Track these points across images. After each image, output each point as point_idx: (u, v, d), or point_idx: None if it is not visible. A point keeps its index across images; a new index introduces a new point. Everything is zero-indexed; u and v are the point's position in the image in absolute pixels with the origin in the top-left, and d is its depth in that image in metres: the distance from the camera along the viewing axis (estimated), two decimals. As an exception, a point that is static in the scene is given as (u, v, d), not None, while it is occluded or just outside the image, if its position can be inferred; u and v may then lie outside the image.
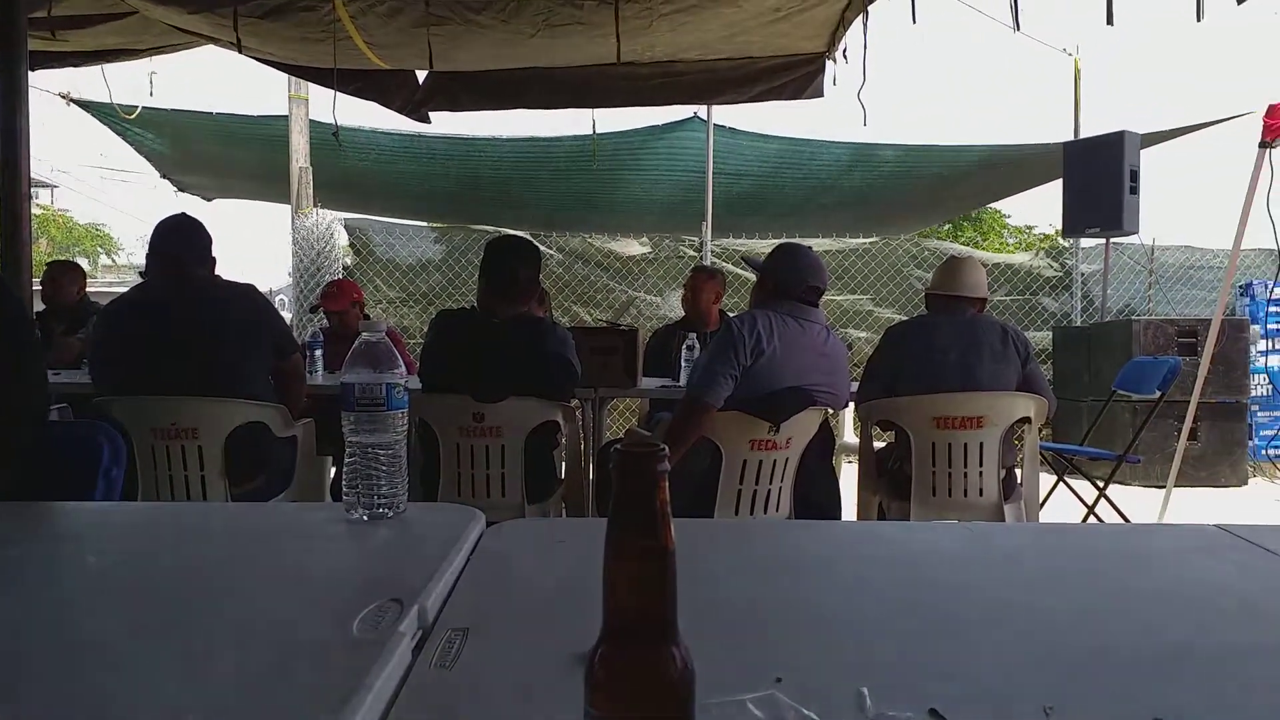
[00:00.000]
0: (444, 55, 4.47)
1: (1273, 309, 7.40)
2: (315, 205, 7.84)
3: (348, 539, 1.17)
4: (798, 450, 2.98)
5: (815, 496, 3.15)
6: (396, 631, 0.79)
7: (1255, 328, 7.20)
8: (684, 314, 4.97)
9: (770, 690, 0.69)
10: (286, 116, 7.73)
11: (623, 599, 0.47)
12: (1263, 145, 4.55)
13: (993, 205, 14.84)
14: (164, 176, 8.89)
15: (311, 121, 7.76)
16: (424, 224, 9.09)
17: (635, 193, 8.89)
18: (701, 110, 7.38)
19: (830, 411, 3.13)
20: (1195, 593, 1.03)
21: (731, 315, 3.75)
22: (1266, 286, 7.41)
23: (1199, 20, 3.25)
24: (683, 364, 4.00)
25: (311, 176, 7.78)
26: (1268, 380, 7.18)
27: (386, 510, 1.19)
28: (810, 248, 3.20)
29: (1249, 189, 4.57)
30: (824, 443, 3.24)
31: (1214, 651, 0.84)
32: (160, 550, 1.16)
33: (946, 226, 14.87)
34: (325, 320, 5.22)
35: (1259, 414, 7.06)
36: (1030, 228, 17.21)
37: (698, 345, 4.02)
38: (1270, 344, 7.33)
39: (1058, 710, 0.69)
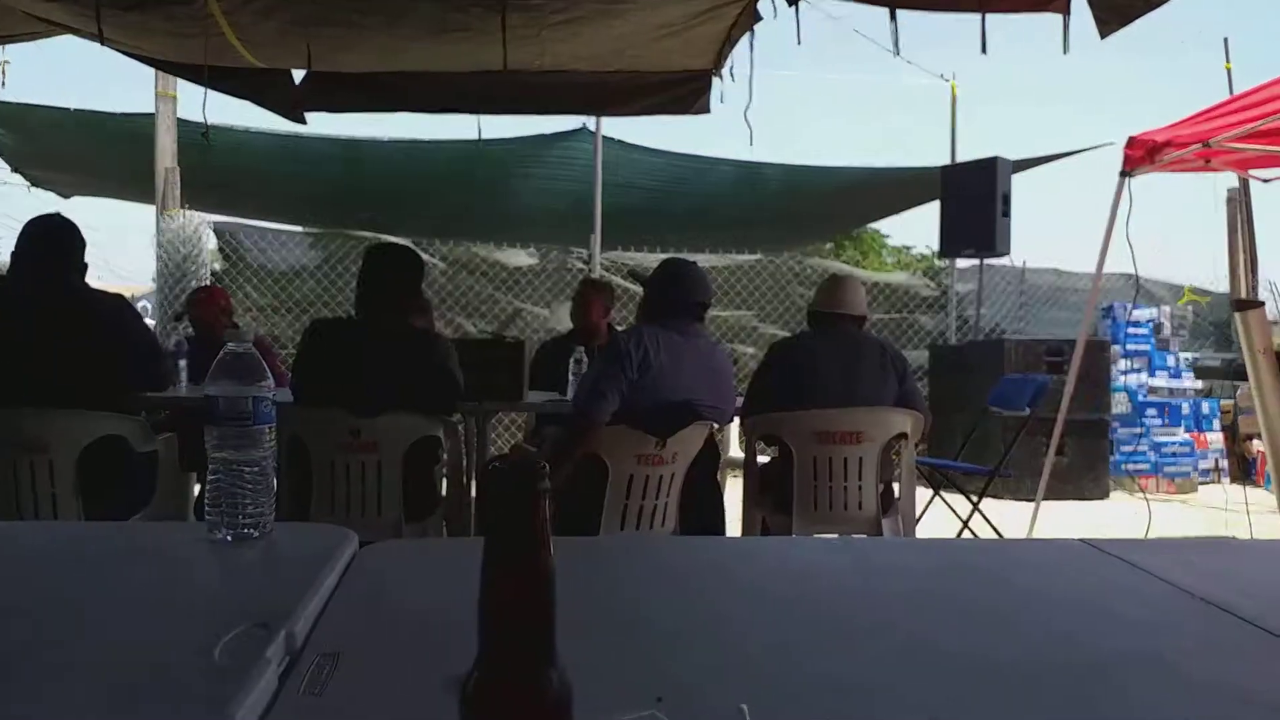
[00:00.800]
0: (324, 56, 4.34)
1: (1131, 330, 7.86)
2: (182, 207, 7.48)
3: (210, 561, 1.11)
4: (683, 465, 2.99)
5: (700, 511, 3.17)
6: (262, 658, 0.74)
7: (1116, 348, 7.63)
8: (572, 327, 4.94)
9: (651, 711, 0.68)
10: (153, 114, 7.36)
11: (498, 622, 0.45)
12: (1123, 174, 4.82)
13: (872, 225, 15.32)
14: (15, 170, 8.36)
15: (180, 120, 7.41)
16: (299, 229, 8.79)
17: (523, 202, 8.81)
18: (590, 121, 7.39)
19: (716, 426, 3.16)
20: (1063, 605, 1.07)
21: (619, 330, 3.75)
22: (1126, 309, 7.86)
23: (1065, 52, 3.43)
24: (571, 378, 3.97)
25: (179, 177, 7.42)
26: (1127, 398, 7.61)
27: (252, 530, 1.13)
28: (695, 263, 3.24)
29: (1110, 216, 4.84)
30: (709, 457, 3.27)
31: (1083, 661, 0.86)
32: (0, 573, 1.07)
33: (829, 245, 15.29)
34: (191, 328, 4.98)
35: (1119, 430, 7.47)
36: (908, 248, 17.84)
37: (586, 359, 4.00)
38: (1129, 364, 7.78)
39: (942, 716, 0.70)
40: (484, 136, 7.21)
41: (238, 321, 5.85)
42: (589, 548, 1.53)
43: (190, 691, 0.70)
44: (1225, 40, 9.41)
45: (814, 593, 1.10)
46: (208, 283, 7.30)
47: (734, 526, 3.87)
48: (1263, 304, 4.04)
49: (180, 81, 6.14)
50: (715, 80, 4.89)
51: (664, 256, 8.00)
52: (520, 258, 8.46)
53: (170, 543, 1.24)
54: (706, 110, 5.01)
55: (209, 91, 4.59)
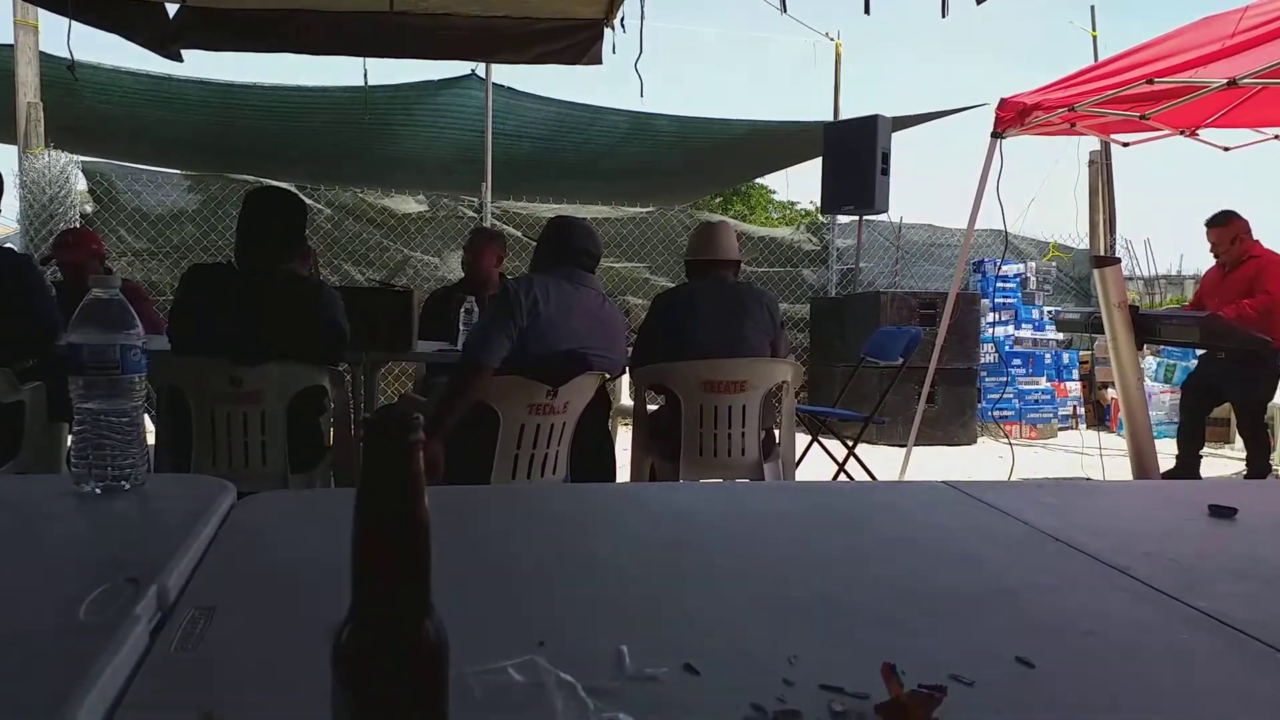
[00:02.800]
0: (199, -11, 4.11)
1: (1000, 285, 8.23)
2: (47, 146, 7.01)
3: (77, 514, 1.07)
4: (575, 414, 3.02)
5: (591, 459, 3.21)
6: (131, 614, 0.73)
7: (985, 301, 7.98)
8: (464, 276, 4.88)
9: (530, 656, 0.70)
10: (11, 45, 6.83)
11: (369, 573, 0.46)
12: (994, 135, 5.01)
13: (759, 181, 15.54)
14: None
15: (42, 54, 6.90)
16: (176, 171, 8.35)
17: (411, 148, 8.59)
18: (480, 68, 7.22)
19: (607, 376, 3.20)
20: (925, 544, 1.14)
21: (510, 278, 3.73)
22: (995, 264, 8.23)
23: (944, 16, 3.53)
24: (461, 327, 3.93)
25: (42, 113, 6.93)
26: (994, 349, 7.99)
27: (123, 483, 1.09)
28: (585, 219, 3.26)
29: (982, 175, 5.04)
30: (600, 407, 3.30)
31: (939, 598, 0.92)
32: None
33: (718, 199, 15.44)
34: (59, 273, 4.70)
35: (987, 379, 7.85)
36: (793, 204, 18.20)
37: (476, 309, 3.96)
38: (997, 316, 8.16)
39: (801, 659, 0.74)
40: (371, 82, 7.00)
41: (110, 266, 5.55)
42: (477, 496, 1.54)
43: (52, 650, 0.68)
44: (1092, 8, 9.81)
45: (693, 536, 1.14)
46: (77, 225, 6.88)
47: (625, 473, 3.94)
48: (1119, 261, 4.28)
49: (41, 10, 5.71)
50: (607, 31, 4.85)
51: (555, 206, 7.97)
52: (410, 205, 8.25)
53: (34, 495, 1.18)
54: (599, 61, 4.96)
55: (73, 23, 4.29)
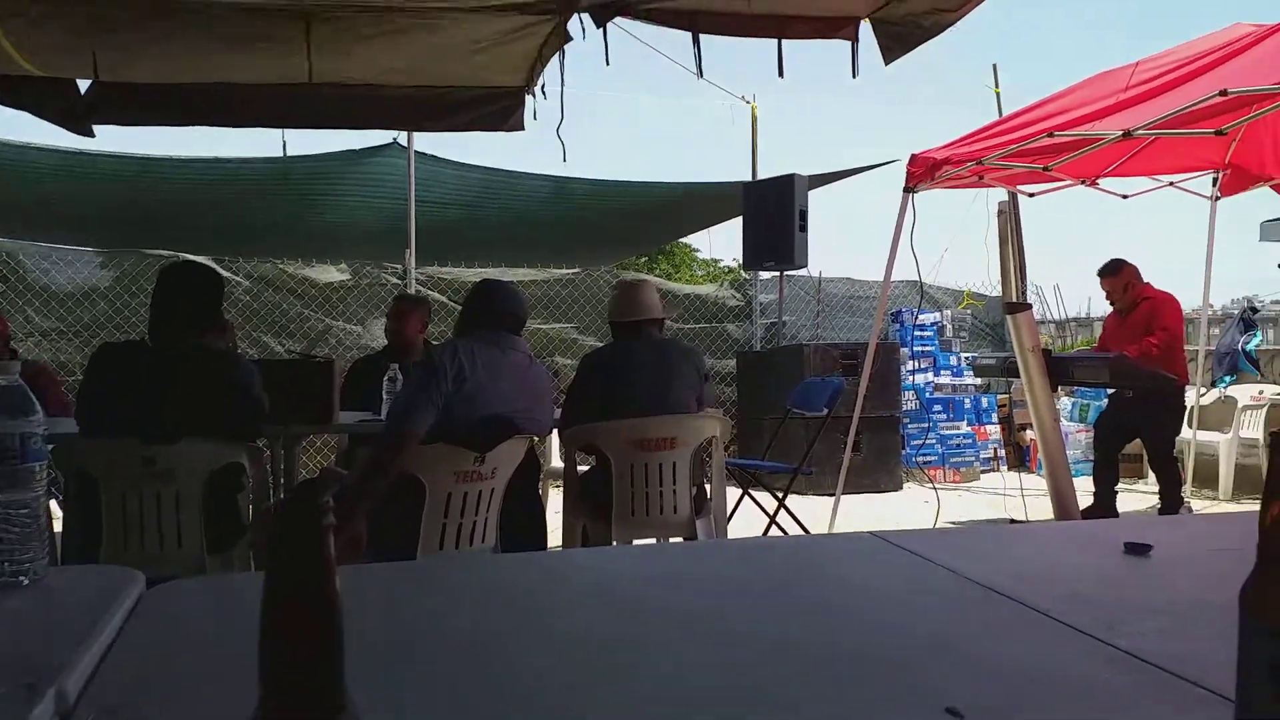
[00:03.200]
0: (111, 66, 4.04)
1: (918, 333, 8.44)
2: (-50, 225, 6.76)
3: (-29, 615, 1.01)
4: (503, 480, 2.98)
5: (521, 525, 3.16)
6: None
7: (904, 350, 8.17)
8: (387, 344, 4.82)
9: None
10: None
11: (277, 665, 0.44)
12: (907, 190, 5.19)
13: (684, 240, 15.76)
14: None
15: (-55, 130, 6.69)
16: (88, 248, 8.12)
17: (334, 218, 8.50)
18: (401, 136, 7.23)
19: (535, 438, 3.17)
20: (854, 599, 1.14)
21: (434, 344, 3.70)
22: (913, 314, 8.44)
23: (854, 76, 3.67)
24: (385, 396, 3.86)
25: (-57, 192, 6.70)
26: (915, 396, 8.16)
27: (21, 578, 1.04)
28: (511, 281, 3.26)
29: (896, 229, 5.20)
30: (530, 470, 3.26)
31: (869, 653, 0.92)
32: None
33: (643, 259, 15.60)
34: (-40, 356, 4.50)
35: (909, 426, 8.00)
36: (717, 261, 18.48)
37: (400, 377, 3.90)
38: (917, 364, 8.35)
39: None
40: (290, 152, 6.94)
41: (16, 348, 5.34)
42: (402, 572, 1.50)
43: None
44: (994, 66, 10.29)
45: (624, 602, 1.12)
46: (-19, 306, 6.61)
47: (556, 537, 3.88)
48: (1030, 306, 4.44)
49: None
50: (528, 97, 4.90)
51: (481, 270, 7.96)
52: (331, 274, 8.15)
53: (-75, 597, 1.12)
54: (520, 127, 5.00)
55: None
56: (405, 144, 7.28)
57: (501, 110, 4.93)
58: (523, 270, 8.62)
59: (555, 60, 4.35)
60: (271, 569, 0.44)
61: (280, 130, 6.53)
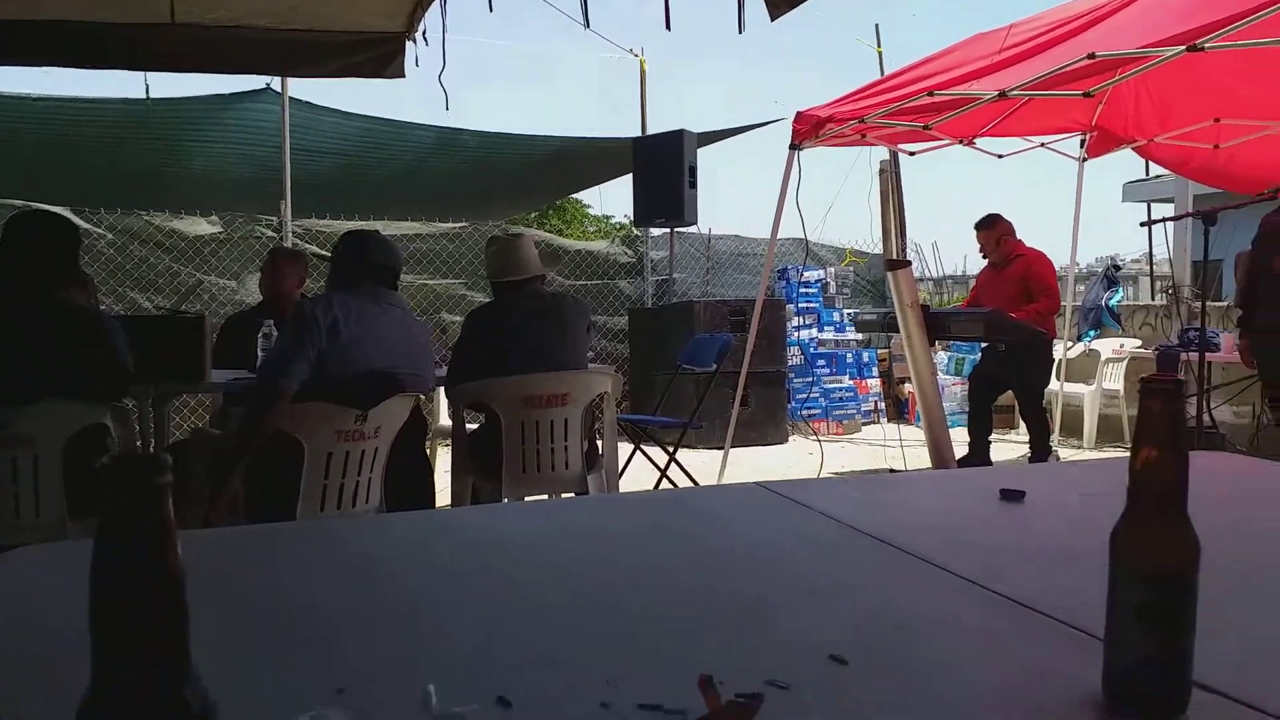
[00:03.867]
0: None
1: (803, 290, 8.60)
2: None
3: None
4: (387, 439, 2.90)
5: (407, 486, 3.10)
6: None
7: (790, 306, 8.32)
8: (262, 299, 4.62)
9: (315, 712, 0.64)
10: None
11: (110, 640, 0.39)
12: (792, 147, 5.23)
13: (574, 196, 15.63)
14: None
15: None
16: (-73, 196, 7.49)
17: (202, 167, 8.07)
18: (275, 81, 6.89)
19: (421, 397, 3.09)
20: (741, 549, 1.14)
21: (307, 297, 3.56)
22: (798, 271, 8.59)
23: (740, 31, 3.65)
24: (260, 353, 3.71)
25: None
26: (800, 351, 8.33)
27: None
28: (378, 231, 3.14)
29: (782, 185, 5.25)
30: (415, 429, 3.19)
31: (755, 601, 0.92)
32: None
33: (534, 214, 15.41)
34: None
35: (794, 380, 8.17)
36: (608, 217, 18.42)
37: (276, 333, 3.74)
38: (802, 320, 8.51)
39: (619, 680, 0.71)
40: (153, 95, 6.51)
41: None
42: (278, 534, 1.43)
43: None
44: (876, 26, 10.46)
45: (508, 563, 1.10)
46: None
47: (445, 497, 3.83)
48: (910, 263, 4.56)
49: None
50: (409, 43, 4.73)
51: (362, 223, 7.70)
52: (202, 226, 7.74)
53: None
54: (401, 74, 4.83)
55: None
56: (280, 90, 6.94)
57: (380, 56, 4.75)
58: (407, 224, 8.38)
59: (437, 5, 4.21)
60: (102, 534, 0.39)
61: (142, 74, 6.14)
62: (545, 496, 3.55)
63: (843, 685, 0.72)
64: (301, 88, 7.13)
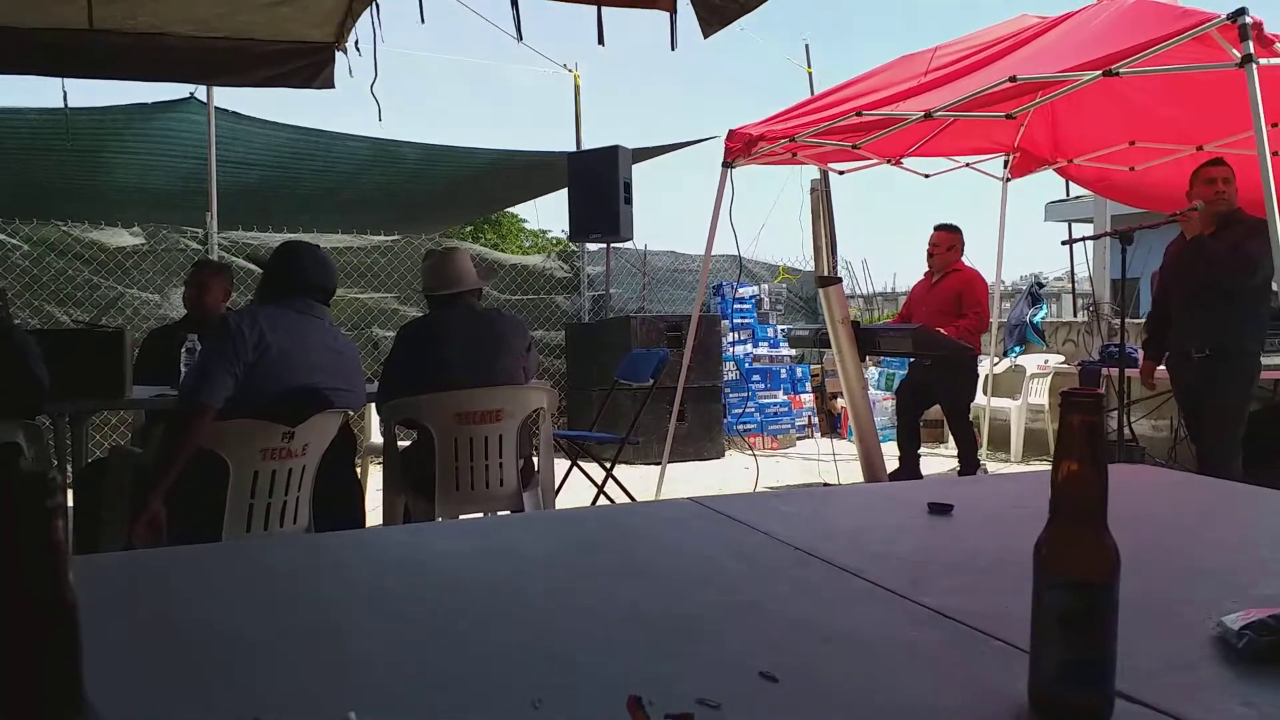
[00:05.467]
0: None
1: (738, 306, 8.67)
2: None
3: None
4: (315, 456, 2.83)
5: (337, 505, 3.03)
6: None
7: (725, 322, 8.38)
8: (187, 313, 4.50)
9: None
10: None
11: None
12: (725, 165, 5.28)
13: (511, 210, 15.57)
14: None
15: None
16: None
17: (124, 178, 7.84)
18: (200, 90, 6.72)
19: (350, 413, 3.03)
20: (672, 565, 1.14)
21: (231, 310, 3.47)
22: (733, 287, 8.67)
23: (673, 49, 3.68)
24: (183, 369, 3.60)
25: None
26: (735, 367, 8.39)
27: None
28: (317, 246, 3.08)
29: (716, 203, 5.29)
30: (345, 447, 3.13)
31: (686, 618, 0.92)
32: None
33: (469, 228, 15.31)
34: None
35: (730, 395, 8.22)
36: (545, 232, 18.38)
37: (199, 347, 3.64)
38: (737, 335, 8.58)
39: (546, 701, 0.70)
40: (72, 104, 6.30)
41: None
42: (200, 557, 1.38)
43: None
44: (806, 46, 10.64)
45: (437, 584, 1.07)
46: None
47: (377, 515, 3.75)
48: (840, 280, 4.62)
49: None
50: (340, 54, 4.67)
51: (292, 236, 7.55)
52: (123, 238, 7.50)
53: None
54: (330, 85, 4.77)
55: None
56: (204, 99, 6.78)
57: (309, 66, 4.68)
58: (338, 236, 8.24)
59: (367, 15, 4.16)
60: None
61: (60, 82, 5.94)
62: (480, 515, 3.51)
63: (773, 703, 0.72)
64: (230, 97, 6.99)
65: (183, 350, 3.65)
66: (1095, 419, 0.70)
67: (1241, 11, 3.46)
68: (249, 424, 2.65)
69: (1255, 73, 3.41)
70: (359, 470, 4.82)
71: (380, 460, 4.45)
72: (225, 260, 7.06)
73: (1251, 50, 3.43)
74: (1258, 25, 3.47)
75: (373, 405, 3.41)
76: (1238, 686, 0.74)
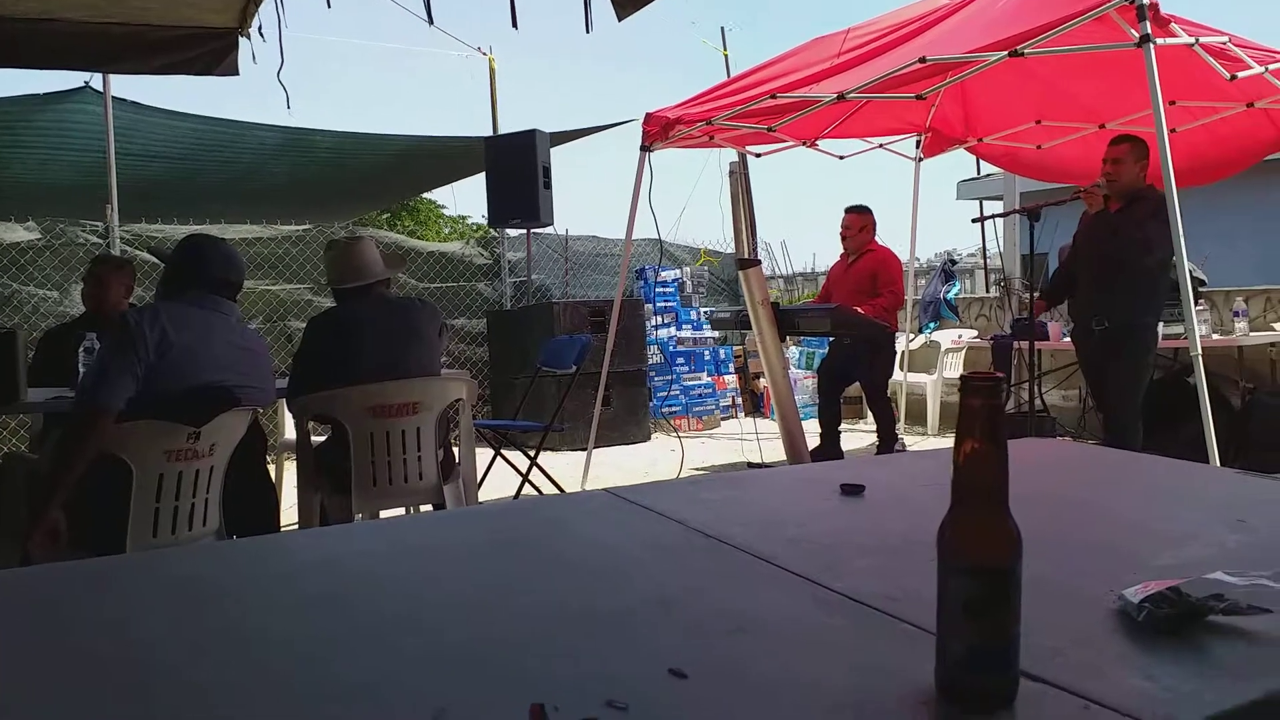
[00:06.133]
0: None
1: (660, 290, 8.68)
2: None
3: None
4: (223, 457, 2.74)
5: (249, 506, 2.94)
6: None
7: (649, 306, 8.39)
8: (85, 310, 4.31)
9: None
10: None
11: None
12: (643, 149, 5.26)
13: (428, 196, 15.33)
14: None
15: None
16: None
17: (17, 171, 7.49)
18: (96, 79, 6.43)
19: (260, 410, 2.94)
20: (584, 560, 1.12)
21: (131, 308, 3.33)
22: (655, 270, 8.67)
23: (588, 31, 3.63)
24: (81, 369, 3.45)
25: None
26: (659, 350, 8.41)
27: None
28: (223, 239, 2.97)
29: (635, 187, 5.27)
30: (254, 444, 3.03)
31: (594, 616, 0.90)
32: None
33: (385, 215, 15.02)
34: None
35: (655, 379, 8.24)
36: (464, 218, 18.16)
37: (98, 346, 3.49)
38: (660, 319, 8.60)
39: (449, 710, 0.68)
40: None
41: None
42: (101, 569, 1.30)
43: None
44: (722, 30, 10.66)
45: (345, 587, 1.03)
46: None
47: (292, 514, 3.65)
48: (760, 262, 4.63)
49: None
50: (243, 40, 4.51)
51: (198, 228, 7.29)
52: (17, 233, 7.16)
53: None
54: (235, 72, 4.61)
55: None
56: (100, 89, 6.49)
57: (211, 53, 4.52)
58: (248, 227, 7.98)
59: (272, 1, 4.02)
60: None
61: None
62: (400, 511, 3.44)
63: (682, 699, 0.70)
64: (126, 86, 6.71)
65: (80, 350, 3.49)
66: (995, 402, 0.70)
67: (1139, -8, 3.56)
68: (151, 425, 2.55)
69: (1153, 52, 3.52)
70: (274, 468, 4.70)
71: (294, 457, 4.34)
72: (128, 255, 6.80)
73: (1149, 30, 3.54)
74: (1154, 6, 3.58)
75: (284, 401, 3.31)
76: (1139, 660, 0.75)
